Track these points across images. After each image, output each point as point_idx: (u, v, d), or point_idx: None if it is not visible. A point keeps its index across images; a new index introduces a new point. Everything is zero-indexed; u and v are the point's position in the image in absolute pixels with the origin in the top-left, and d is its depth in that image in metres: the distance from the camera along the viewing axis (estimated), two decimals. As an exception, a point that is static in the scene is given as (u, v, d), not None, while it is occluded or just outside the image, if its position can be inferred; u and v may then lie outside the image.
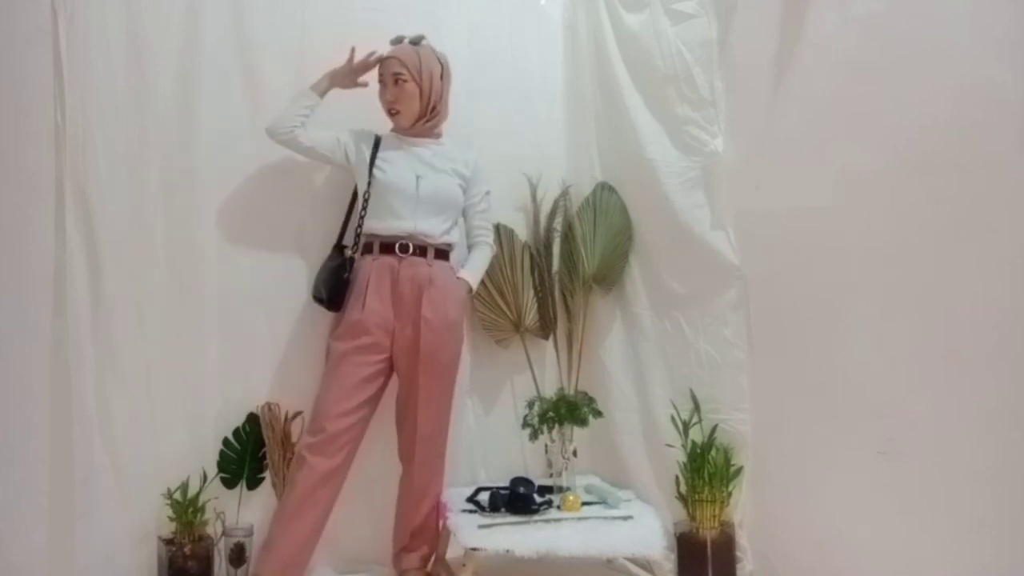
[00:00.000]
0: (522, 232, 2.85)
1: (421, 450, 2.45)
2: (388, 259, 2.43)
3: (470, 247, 2.62)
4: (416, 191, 2.45)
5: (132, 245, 2.35)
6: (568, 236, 2.85)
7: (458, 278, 2.51)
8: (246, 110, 2.51)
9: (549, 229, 2.86)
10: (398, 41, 2.50)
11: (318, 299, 2.45)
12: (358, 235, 2.49)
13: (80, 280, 2.26)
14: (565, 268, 2.85)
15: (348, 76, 2.47)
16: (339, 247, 2.52)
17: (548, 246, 2.86)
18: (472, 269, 2.56)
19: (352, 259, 2.46)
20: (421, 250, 2.46)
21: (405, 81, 2.45)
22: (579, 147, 2.97)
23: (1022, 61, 1.74)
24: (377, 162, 2.47)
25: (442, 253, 2.50)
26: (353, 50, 2.45)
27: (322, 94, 2.44)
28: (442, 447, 2.53)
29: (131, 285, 2.34)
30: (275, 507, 2.41)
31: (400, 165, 2.47)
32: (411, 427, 2.45)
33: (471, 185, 2.57)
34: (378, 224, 2.45)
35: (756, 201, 2.41)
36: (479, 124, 2.83)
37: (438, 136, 2.58)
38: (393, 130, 2.55)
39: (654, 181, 2.63)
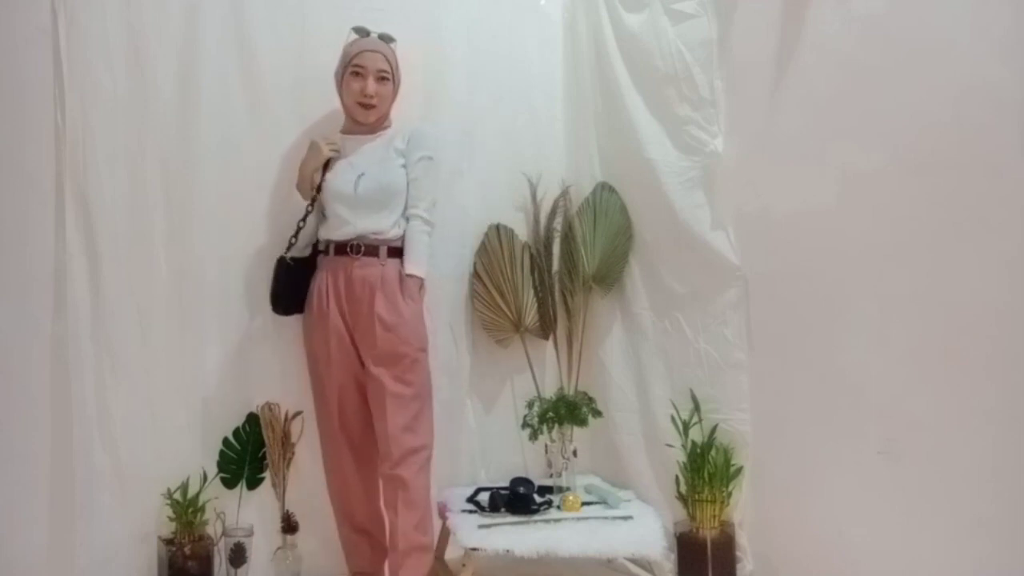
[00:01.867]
0: (522, 232, 2.85)
1: (396, 450, 2.33)
2: (342, 259, 2.41)
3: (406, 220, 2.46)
4: (354, 191, 2.40)
5: (132, 245, 2.35)
6: (568, 236, 2.84)
7: (409, 275, 2.41)
8: (246, 110, 2.51)
9: (549, 229, 2.86)
10: (364, 33, 2.46)
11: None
12: (293, 240, 2.49)
13: (80, 280, 2.26)
14: (565, 268, 2.85)
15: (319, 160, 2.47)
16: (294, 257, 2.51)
17: (548, 246, 2.86)
18: (412, 260, 2.43)
19: (283, 260, 2.45)
20: (372, 249, 2.40)
21: (387, 80, 2.43)
22: (579, 147, 2.97)
23: (1022, 61, 1.74)
24: (325, 174, 2.46)
25: (396, 251, 2.42)
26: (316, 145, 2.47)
27: (310, 200, 2.47)
28: (427, 447, 2.41)
29: (131, 285, 2.34)
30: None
31: (343, 169, 2.45)
32: (383, 427, 2.34)
33: (408, 155, 2.45)
34: (332, 232, 2.44)
35: (756, 201, 2.41)
36: (479, 124, 2.83)
37: (387, 128, 2.52)
38: (344, 130, 2.51)
39: (654, 181, 2.63)
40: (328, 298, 2.40)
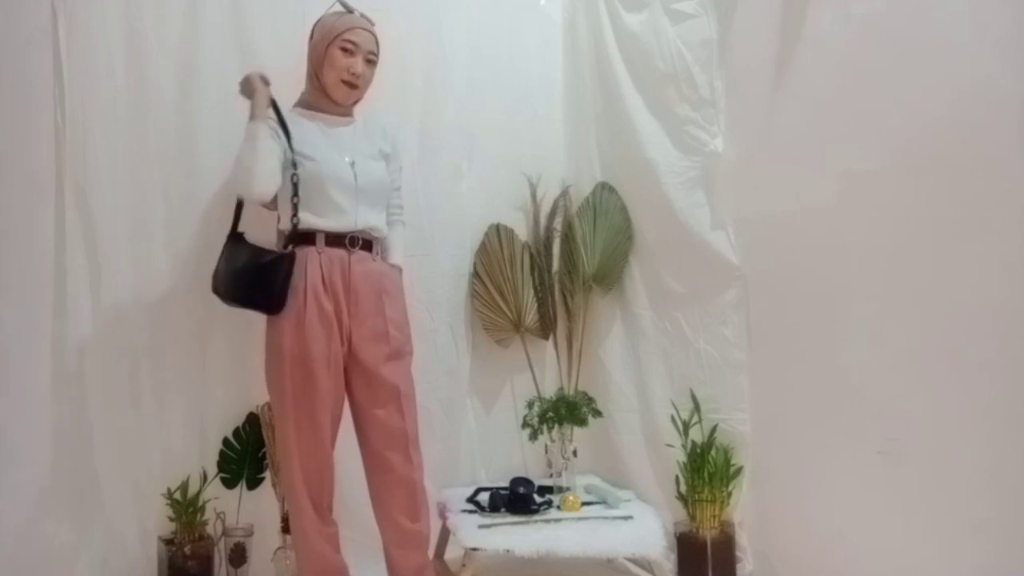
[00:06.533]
0: (522, 232, 2.85)
1: (415, 454, 2.28)
2: (338, 251, 2.20)
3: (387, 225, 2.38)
4: (355, 181, 2.22)
5: (132, 245, 2.35)
6: (568, 236, 2.85)
7: (392, 265, 2.35)
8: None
9: (549, 229, 2.86)
10: (350, 8, 2.32)
11: (244, 301, 2.18)
12: (295, 226, 2.18)
13: (80, 280, 2.26)
14: (565, 268, 2.86)
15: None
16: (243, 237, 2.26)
17: (548, 246, 2.86)
18: (400, 254, 2.39)
19: (293, 255, 2.16)
20: (368, 244, 2.26)
21: (374, 64, 2.31)
22: (579, 147, 2.97)
23: (1022, 61, 1.74)
24: (296, 145, 2.18)
25: (378, 246, 2.34)
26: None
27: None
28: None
29: (131, 285, 2.34)
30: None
31: (327, 149, 2.22)
32: (399, 428, 2.26)
33: (391, 161, 2.37)
34: (324, 220, 2.20)
35: (756, 201, 2.41)
36: (479, 124, 2.83)
37: (351, 117, 2.35)
38: (307, 106, 2.30)
39: (654, 181, 2.64)
40: (326, 293, 2.18)
